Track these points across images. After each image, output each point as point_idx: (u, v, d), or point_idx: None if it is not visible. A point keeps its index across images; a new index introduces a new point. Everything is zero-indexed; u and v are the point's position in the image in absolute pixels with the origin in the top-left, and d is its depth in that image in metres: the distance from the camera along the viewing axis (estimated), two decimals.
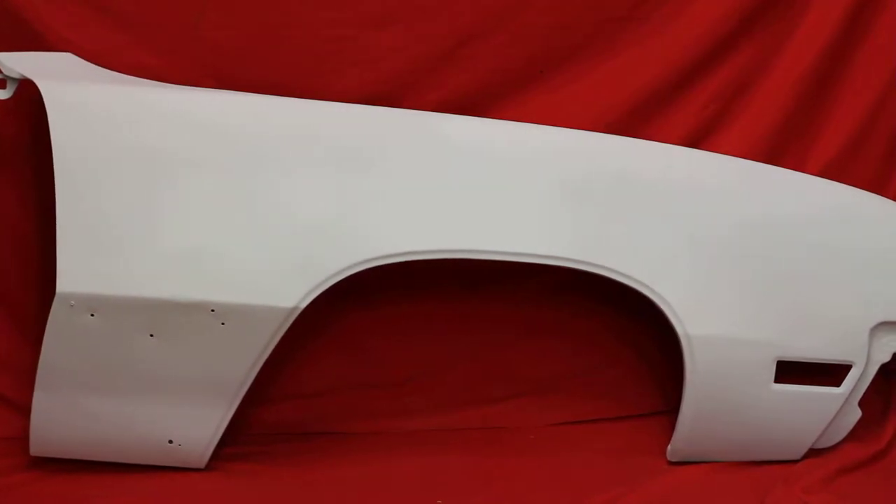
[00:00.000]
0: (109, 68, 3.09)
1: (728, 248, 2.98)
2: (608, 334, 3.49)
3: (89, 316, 2.79)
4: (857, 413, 3.16)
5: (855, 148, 3.35)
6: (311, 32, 3.21)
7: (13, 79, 2.86)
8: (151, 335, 2.83)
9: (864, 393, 3.13)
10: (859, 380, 3.08)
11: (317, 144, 2.88)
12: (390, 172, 2.89)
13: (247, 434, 3.24)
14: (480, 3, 3.25)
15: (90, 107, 2.83)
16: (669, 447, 3.15)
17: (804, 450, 3.14)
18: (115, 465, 2.98)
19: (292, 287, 2.83)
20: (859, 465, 3.13)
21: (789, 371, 3.04)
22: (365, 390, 3.41)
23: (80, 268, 2.77)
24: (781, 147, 3.34)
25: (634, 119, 3.31)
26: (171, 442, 2.95)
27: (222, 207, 2.83)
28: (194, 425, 2.94)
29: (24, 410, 3.00)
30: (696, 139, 3.33)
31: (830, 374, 3.08)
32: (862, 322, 3.04)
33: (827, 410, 3.09)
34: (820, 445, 3.16)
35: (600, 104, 3.31)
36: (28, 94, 2.91)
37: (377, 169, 2.88)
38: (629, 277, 2.95)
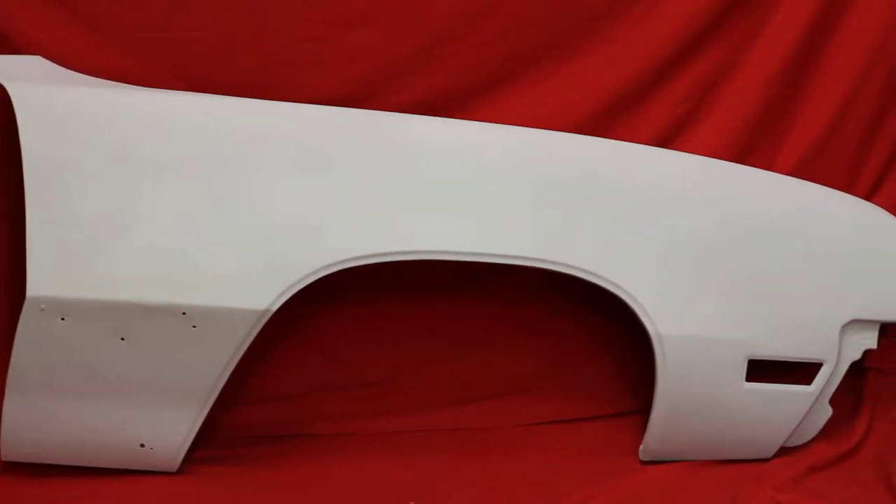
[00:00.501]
0: (79, 71, 3.08)
1: (699, 247, 2.99)
2: (581, 334, 3.50)
3: (60, 320, 2.78)
4: (828, 411, 3.17)
5: (824, 146, 3.35)
6: (284, 33, 3.20)
7: None
8: (122, 339, 2.82)
9: (835, 391, 3.14)
10: (830, 378, 3.09)
11: (288, 146, 2.87)
12: (360, 174, 2.88)
13: (219, 437, 3.23)
14: (453, 3, 3.24)
15: (59, 109, 2.82)
16: (641, 446, 3.16)
17: (775, 448, 3.16)
18: (86, 470, 2.97)
19: (264, 289, 2.83)
20: (830, 463, 3.14)
21: (760, 370, 3.05)
22: (338, 392, 3.41)
23: (50, 271, 2.76)
24: (751, 146, 3.35)
25: (605, 119, 3.32)
26: (142, 445, 2.95)
27: (192, 210, 2.82)
28: (166, 429, 2.94)
29: None
30: (667, 138, 3.34)
31: (801, 372, 3.09)
32: (832, 320, 3.05)
33: (798, 409, 3.10)
34: (791, 444, 3.18)
35: (571, 104, 3.30)
36: None
37: (347, 170, 2.88)
38: (601, 277, 2.95)
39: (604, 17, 3.29)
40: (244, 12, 3.18)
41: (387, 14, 3.23)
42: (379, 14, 3.23)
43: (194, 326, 2.82)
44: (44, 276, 2.76)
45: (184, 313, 2.81)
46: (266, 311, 2.83)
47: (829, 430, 3.21)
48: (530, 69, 3.32)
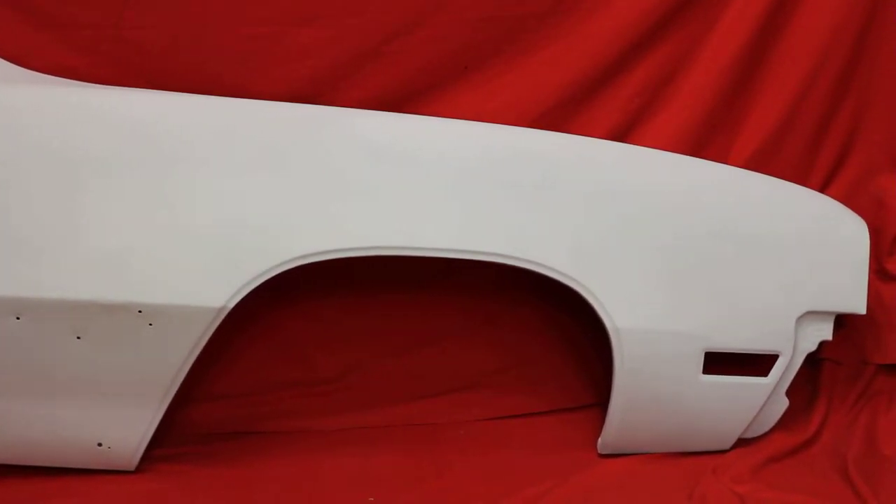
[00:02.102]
0: (31, 68, 3.06)
1: (654, 240, 2.99)
2: (539, 329, 3.51)
3: (14, 319, 2.77)
4: (785, 402, 3.19)
5: (778, 139, 3.36)
6: (234, 30, 3.19)
7: None
8: (78, 337, 2.81)
9: (792, 382, 3.16)
10: (786, 369, 3.11)
11: (239, 143, 2.86)
12: (314, 171, 2.88)
13: (177, 435, 3.23)
14: None
15: (10, 108, 2.80)
16: (599, 440, 3.17)
17: (733, 440, 3.17)
18: (43, 469, 2.96)
19: (219, 287, 2.82)
20: (787, 454, 3.17)
21: (717, 362, 3.06)
22: (293, 389, 3.41)
23: (3, 271, 2.75)
24: (705, 139, 3.35)
25: (560, 113, 3.31)
26: (100, 444, 2.93)
27: (145, 207, 2.80)
28: (123, 427, 2.92)
29: None
30: (622, 133, 3.34)
31: (758, 364, 3.11)
32: (788, 312, 3.07)
33: (755, 400, 3.12)
34: (748, 435, 3.20)
35: (525, 99, 3.30)
36: None
37: (301, 167, 2.87)
38: (556, 272, 2.96)
39: (556, 13, 3.29)
40: (193, 10, 3.17)
41: (336, 11, 3.22)
42: (328, 11, 3.21)
43: (151, 324, 2.81)
44: None
45: (140, 311, 2.80)
46: (222, 308, 2.82)
47: (785, 422, 3.23)
48: (484, 65, 3.31)
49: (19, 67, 3.06)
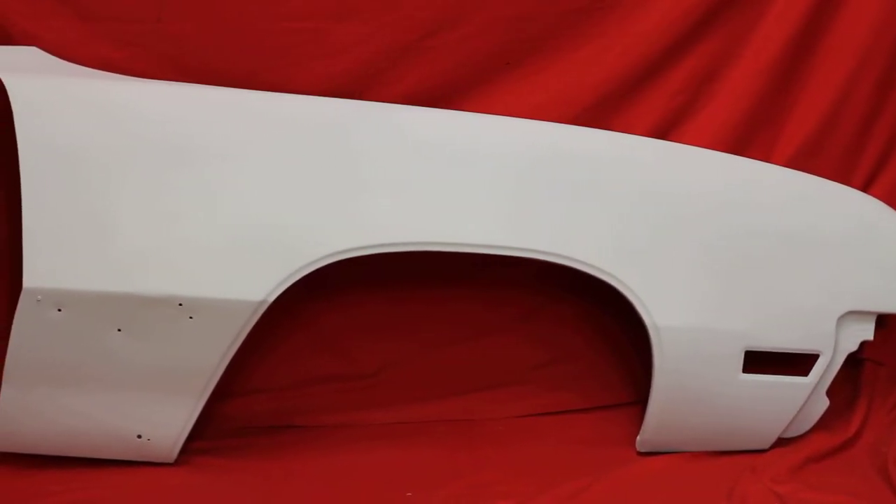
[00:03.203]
0: (73, 61, 3.08)
1: (695, 238, 2.99)
2: (577, 325, 3.50)
3: (56, 311, 2.78)
4: (825, 402, 3.18)
5: (821, 138, 3.34)
6: (274, 24, 3.20)
7: None
8: (119, 330, 2.82)
9: (832, 382, 3.15)
10: (827, 369, 3.10)
11: (280, 138, 2.87)
12: (358, 166, 2.88)
13: (216, 428, 3.23)
14: None
15: (55, 101, 2.82)
16: (638, 437, 3.16)
17: (772, 439, 3.16)
18: (83, 461, 2.97)
19: (260, 281, 2.83)
20: (827, 454, 3.15)
21: (757, 361, 3.05)
22: (333, 383, 3.41)
23: (47, 263, 2.76)
24: (748, 137, 3.34)
25: (601, 110, 3.30)
26: (139, 437, 2.95)
27: (187, 202, 2.82)
28: (163, 420, 2.93)
29: None
30: (663, 130, 3.33)
31: (798, 363, 3.09)
32: (829, 311, 3.05)
33: (795, 400, 3.11)
34: (788, 435, 3.18)
35: (566, 96, 3.29)
36: None
37: (340, 162, 2.88)
38: (597, 268, 2.95)
39: (599, 8, 3.28)
40: (233, 4, 3.18)
41: (375, 6, 3.22)
42: (368, 6, 3.22)
43: (191, 317, 2.82)
44: (40, 268, 2.76)
45: (180, 304, 2.80)
46: (262, 302, 2.83)
47: (826, 421, 3.22)
48: (525, 61, 3.31)
49: (60, 60, 3.07)
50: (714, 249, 2.99)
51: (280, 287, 2.84)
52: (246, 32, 3.19)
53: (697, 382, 3.04)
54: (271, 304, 2.85)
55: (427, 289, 3.41)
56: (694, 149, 3.17)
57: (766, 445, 3.16)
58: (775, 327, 3.03)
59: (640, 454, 3.17)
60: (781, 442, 3.17)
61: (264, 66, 3.20)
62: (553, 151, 2.97)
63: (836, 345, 3.07)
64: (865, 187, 3.38)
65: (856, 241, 3.06)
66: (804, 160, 3.32)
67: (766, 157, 3.31)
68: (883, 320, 3.23)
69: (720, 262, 3.00)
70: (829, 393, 3.17)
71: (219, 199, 2.83)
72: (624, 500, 2.95)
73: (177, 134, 2.84)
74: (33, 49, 3.05)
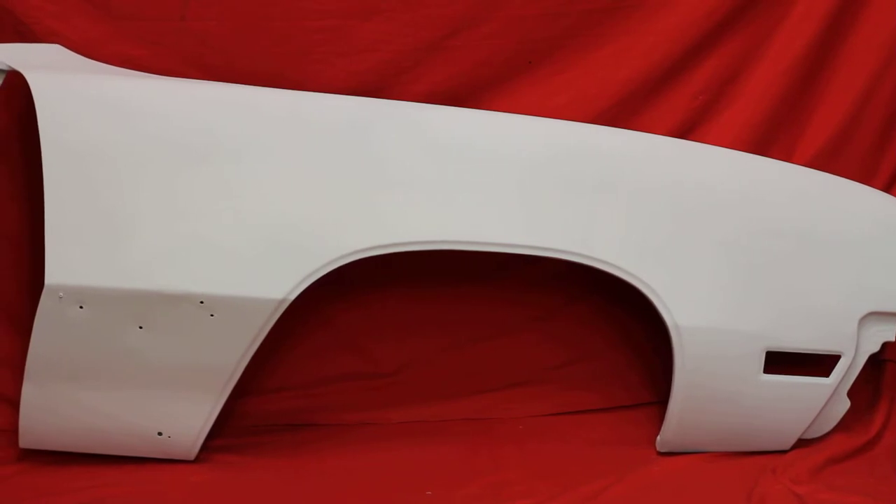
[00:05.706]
0: (97, 59, 3.09)
1: (717, 239, 2.98)
2: (597, 325, 3.50)
3: (78, 308, 2.78)
4: (846, 403, 3.17)
5: (843, 138, 3.35)
6: (297, 23, 3.21)
7: (0, 70, 2.85)
8: (140, 327, 2.82)
9: (853, 383, 3.14)
10: (848, 370, 3.09)
11: (302, 136, 2.88)
12: (379, 164, 2.88)
13: (236, 426, 3.24)
14: None
15: (78, 98, 2.82)
16: (659, 438, 3.16)
17: (793, 440, 3.15)
18: (104, 457, 2.98)
19: (281, 279, 2.83)
20: (848, 455, 3.14)
21: (778, 361, 3.04)
22: (352, 382, 3.41)
23: (68, 260, 2.77)
24: (770, 138, 3.34)
25: (623, 110, 3.31)
26: (160, 434, 2.95)
27: (209, 200, 2.82)
28: (184, 417, 2.94)
29: (14, 403, 3.00)
30: (685, 130, 3.33)
31: (819, 364, 3.08)
32: (851, 312, 3.04)
33: (816, 401, 3.10)
34: (809, 436, 3.17)
35: (589, 95, 3.30)
36: (16, 85, 2.90)
37: (361, 161, 2.88)
38: (619, 268, 2.95)
39: (621, 8, 3.29)
40: (256, 2, 3.20)
41: (398, 4, 3.23)
42: (390, 4, 3.23)
43: (212, 315, 2.82)
44: (62, 265, 2.77)
45: (202, 302, 2.81)
46: (283, 300, 2.83)
47: (846, 423, 3.21)
48: (547, 60, 3.31)
49: (84, 57, 3.08)
50: (735, 249, 2.99)
51: (301, 285, 2.84)
52: (269, 31, 3.20)
53: (718, 383, 3.03)
54: (292, 303, 2.85)
55: (447, 288, 3.41)
56: (715, 148, 3.16)
57: (787, 446, 3.15)
58: (797, 328, 3.02)
59: (660, 454, 3.16)
60: (802, 443, 3.16)
61: (287, 65, 3.21)
62: (574, 150, 2.97)
63: (857, 346, 3.06)
64: (887, 188, 3.37)
65: (878, 242, 3.05)
66: (826, 160, 3.32)
67: (787, 158, 3.31)
68: None
69: (741, 262, 2.99)
70: (851, 394, 3.15)
71: (240, 197, 2.83)
72: (644, 501, 2.95)
73: (199, 132, 2.85)
74: (57, 47, 3.07)
